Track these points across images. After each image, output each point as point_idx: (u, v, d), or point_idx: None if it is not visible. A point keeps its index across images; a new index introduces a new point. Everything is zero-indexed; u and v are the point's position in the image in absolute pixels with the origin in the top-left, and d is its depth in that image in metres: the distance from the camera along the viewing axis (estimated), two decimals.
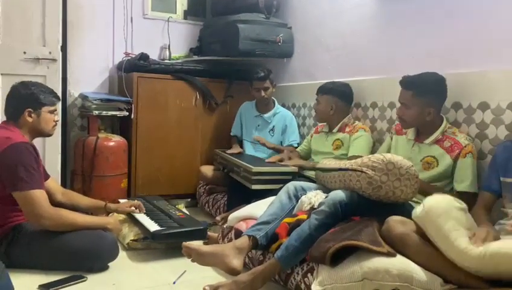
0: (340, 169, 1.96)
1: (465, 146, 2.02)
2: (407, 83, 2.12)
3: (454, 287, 1.53)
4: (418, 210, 1.64)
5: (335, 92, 2.69)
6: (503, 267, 1.42)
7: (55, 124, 2.28)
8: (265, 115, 3.28)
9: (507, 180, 1.77)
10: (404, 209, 1.82)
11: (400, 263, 1.55)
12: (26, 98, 2.15)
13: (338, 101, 2.68)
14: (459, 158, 2.02)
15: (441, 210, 1.57)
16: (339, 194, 1.85)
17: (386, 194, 1.79)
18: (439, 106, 2.13)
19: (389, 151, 2.35)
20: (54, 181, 2.49)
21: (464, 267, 1.49)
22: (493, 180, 1.84)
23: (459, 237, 1.51)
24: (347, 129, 2.67)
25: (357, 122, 2.71)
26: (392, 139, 2.37)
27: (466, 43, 2.20)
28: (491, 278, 1.47)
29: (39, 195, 2.00)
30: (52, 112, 2.23)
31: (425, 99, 2.07)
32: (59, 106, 2.46)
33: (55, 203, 2.33)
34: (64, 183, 3.13)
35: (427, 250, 1.57)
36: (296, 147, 3.14)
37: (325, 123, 2.81)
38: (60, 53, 2.99)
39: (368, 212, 1.84)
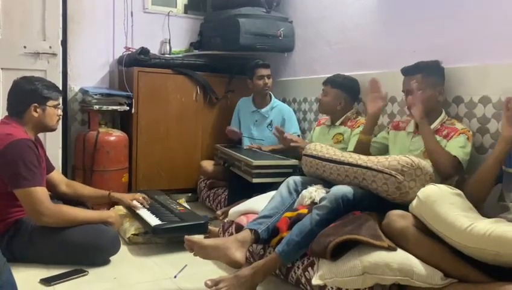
0: (360, 166, 1.89)
1: (461, 129, 2.05)
2: (412, 68, 2.14)
3: (455, 281, 1.53)
4: (413, 202, 1.65)
5: (345, 88, 2.66)
6: (504, 251, 1.40)
7: (59, 119, 2.27)
8: (263, 110, 3.27)
9: (507, 170, 1.77)
10: (406, 207, 1.82)
11: (400, 257, 1.55)
12: (31, 93, 2.13)
13: (347, 98, 2.67)
14: (453, 137, 2.04)
15: (435, 196, 1.58)
16: (341, 190, 1.84)
17: (411, 199, 1.72)
18: (443, 85, 2.15)
19: (383, 143, 2.37)
20: (58, 172, 2.50)
21: (467, 248, 1.47)
22: None
23: (459, 217, 1.51)
24: (349, 123, 2.66)
25: (359, 117, 2.70)
26: (388, 133, 2.37)
27: (468, 37, 2.19)
28: (491, 263, 1.47)
29: (40, 192, 2.00)
30: (56, 106, 2.22)
31: (433, 79, 2.11)
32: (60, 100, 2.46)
33: (59, 194, 2.35)
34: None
35: (427, 243, 1.58)
36: None
37: (327, 117, 2.79)
38: (60, 47, 2.99)
39: (369, 207, 1.84)
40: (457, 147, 2.00)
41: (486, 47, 2.12)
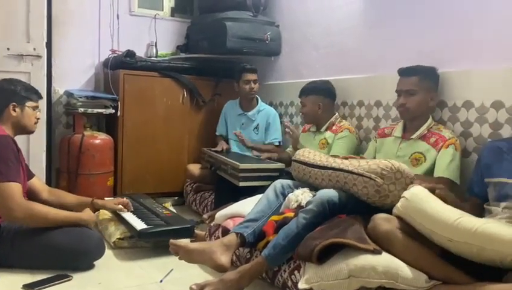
0: (342, 170, 1.91)
1: (449, 139, 2.07)
2: (410, 70, 2.16)
3: (439, 283, 1.55)
4: (398, 204, 1.67)
5: (319, 91, 2.69)
6: (489, 246, 1.43)
7: (37, 121, 2.28)
8: (249, 113, 3.28)
9: (491, 180, 1.81)
10: (390, 210, 1.83)
11: (385, 260, 1.57)
12: (10, 92, 2.17)
13: (324, 99, 2.69)
14: (442, 149, 2.06)
15: (422, 195, 1.62)
16: (327, 193, 1.85)
17: (391, 203, 1.76)
18: (436, 91, 2.18)
19: (375, 154, 2.38)
20: (39, 180, 2.46)
21: (453, 242, 1.49)
22: (476, 184, 1.89)
23: (446, 211, 1.54)
24: (333, 128, 2.68)
25: (343, 121, 2.72)
26: (376, 142, 2.39)
27: (452, 43, 2.22)
28: (476, 259, 1.49)
29: (13, 187, 1.96)
30: (34, 108, 2.25)
31: (429, 84, 2.14)
32: (43, 104, 2.44)
33: (41, 201, 2.31)
34: (49, 181, 3.10)
35: (412, 246, 1.59)
36: (278, 146, 3.15)
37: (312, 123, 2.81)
38: (45, 49, 2.95)
39: (354, 210, 1.85)
40: (447, 163, 2.02)
41: (469, 53, 2.15)
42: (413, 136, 2.16)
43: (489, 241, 1.42)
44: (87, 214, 2.20)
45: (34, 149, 2.87)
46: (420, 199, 1.60)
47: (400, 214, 1.66)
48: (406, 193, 1.66)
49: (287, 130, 2.69)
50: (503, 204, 1.73)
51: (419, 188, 1.67)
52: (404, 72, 2.18)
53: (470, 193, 1.92)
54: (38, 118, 2.29)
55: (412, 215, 1.61)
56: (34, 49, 2.89)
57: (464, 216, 1.51)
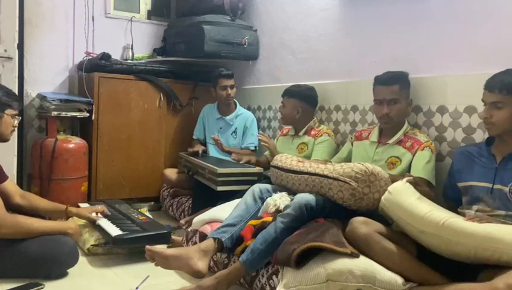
0: (317, 175, 1.93)
1: (424, 142, 2.11)
2: (390, 78, 2.15)
3: (415, 284, 1.57)
4: (383, 196, 1.74)
5: (301, 96, 2.70)
6: (454, 239, 1.50)
7: (14, 129, 2.19)
8: (227, 117, 3.27)
9: (462, 184, 1.85)
10: (368, 213, 1.85)
11: (363, 264, 1.58)
12: None
13: (304, 105, 2.70)
14: (417, 151, 2.10)
15: (402, 189, 1.70)
16: (305, 197, 1.86)
17: (366, 205, 1.79)
18: (409, 97, 2.22)
19: (349, 155, 2.41)
20: (12, 183, 2.39)
21: (424, 233, 1.57)
22: (451, 189, 1.95)
23: (419, 205, 1.62)
24: (312, 133, 2.70)
25: (322, 126, 2.74)
26: (352, 144, 2.42)
27: (426, 49, 2.27)
28: (445, 253, 1.55)
29: None
30: (13, 116, 2.15)
31: (406, 91, 2.18)
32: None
33: (13, 205, 2.25)
34: (20, 187, 2.99)
35: (389, 249, 1.61)
36: (254, 150, 3.14)
37: (290, 126, 2.82)
38: (17, 51, 2.87)
39: (332, 214, 1.86)
40: (424, 164, 2.05)
41: (443, 59, 2.20)
42: (390, 141, 2.19)
43: (454, 233, 1.49)
44: (73, 224, 2.16)
45: (5, 154, 2.77)
46: (399, 193, 1.69)
47: (383, 207, 1.73)
48: (389, 187, 1.73)
49: (262, 143, 2.70)
50: (475, 207, 1.78)
51: (401, 183, 1.73)
52: (385, 81, 2.15)
53: (445, 198, 1.98)
54: (15, 126, 2.19)
55: (391, 208, 1.69)
56: (5, 50, 2.81)
57: (435, 210, 1.59)
